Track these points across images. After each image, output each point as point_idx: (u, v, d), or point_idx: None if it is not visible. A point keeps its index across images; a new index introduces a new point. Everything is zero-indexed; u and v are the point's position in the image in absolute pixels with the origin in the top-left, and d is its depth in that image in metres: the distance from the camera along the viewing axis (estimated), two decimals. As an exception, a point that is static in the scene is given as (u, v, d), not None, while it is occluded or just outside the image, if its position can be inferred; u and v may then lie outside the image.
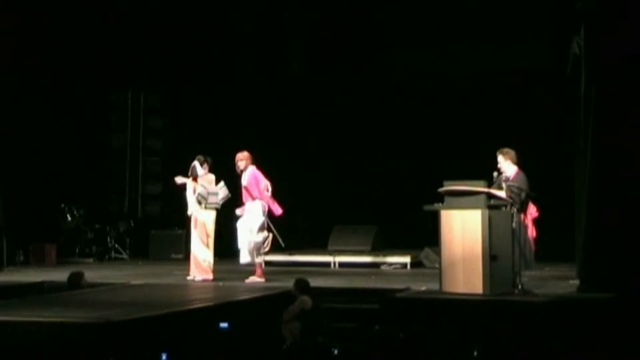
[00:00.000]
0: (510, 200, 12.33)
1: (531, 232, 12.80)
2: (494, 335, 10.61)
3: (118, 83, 19.95)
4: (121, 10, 19.09)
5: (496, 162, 12.88)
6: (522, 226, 12.55)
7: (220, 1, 19.58)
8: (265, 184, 14.55)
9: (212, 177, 14.98)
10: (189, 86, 19.88)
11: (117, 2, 19.21)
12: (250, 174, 14.54)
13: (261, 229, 14.47)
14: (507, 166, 12.89)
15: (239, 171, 14.61)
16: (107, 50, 19.07)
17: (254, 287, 13.84)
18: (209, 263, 14.80)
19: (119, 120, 20.27)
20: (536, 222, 12.90)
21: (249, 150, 14.76)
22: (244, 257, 14.52)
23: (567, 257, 14.40)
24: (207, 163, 14.98)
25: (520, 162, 12.98)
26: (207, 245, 14.78)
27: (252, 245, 14.43)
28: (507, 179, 12.62)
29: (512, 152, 12.94)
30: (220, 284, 14.43)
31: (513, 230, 12.24)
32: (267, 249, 14.69)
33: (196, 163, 14.93)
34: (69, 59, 18.42)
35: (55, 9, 18.18)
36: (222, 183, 14.87)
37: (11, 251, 17.37)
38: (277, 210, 14.51)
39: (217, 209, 14.85)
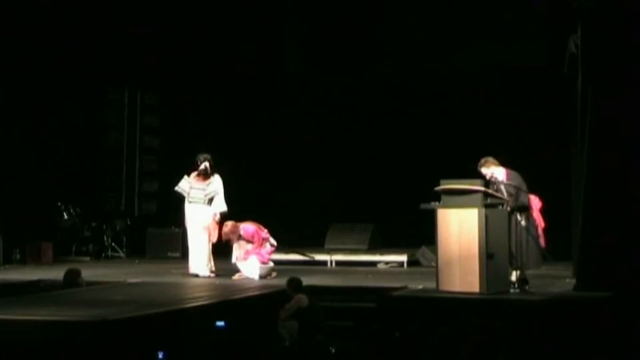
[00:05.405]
0: (508, 200, 12.40)
1: (539, 222, 12.85)
2: (490, 334, 10.61)
3: (115, 81, 19.94)
4: (118, 8, 19.05)
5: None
6: (531, 223, 12.60)
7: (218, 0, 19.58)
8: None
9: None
10: (186, 84, 19.86)
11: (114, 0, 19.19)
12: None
13: None
14: (496, 171, 12.88)
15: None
16: (105, 48, 19.04)
17: (251, 286, 13.90)
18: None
19: (116, 118, 20.25)
20: (542, 211, 12.95)
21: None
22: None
23: (564, 256, 14.40)
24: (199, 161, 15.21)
25: (508, 162, 13.06)
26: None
27: None
28: (501, 182, 12.66)
29: (490, 158, 12.94)
30: (217, 282, 14.46)
31: (525, 228, 12.34)
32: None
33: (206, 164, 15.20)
34: (66, 56, 18.39)
35: (52, 7, 18.14)
36: (213, 178, 15.10)
37: (8, 250, 17.33)
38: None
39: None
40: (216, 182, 15.21)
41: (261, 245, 14.68)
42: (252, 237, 14.69)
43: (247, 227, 14.76)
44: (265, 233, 14.80)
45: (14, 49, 17.53)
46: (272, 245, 14.84)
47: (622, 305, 11.31)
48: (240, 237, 14.71)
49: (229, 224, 14.72)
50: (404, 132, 18.81)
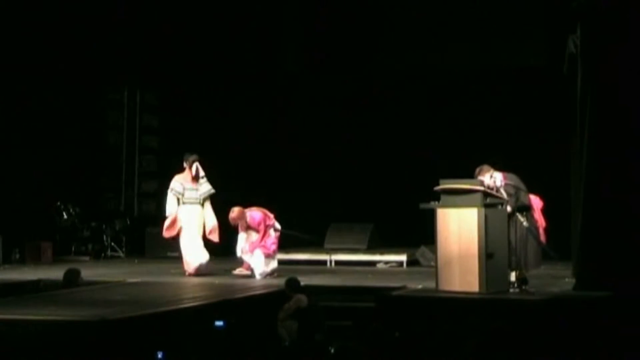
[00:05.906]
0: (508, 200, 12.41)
1: (541, 221, 12.86)
2: (489, 334, 10.62)
3: (115, 80, 19.92)
4: (118, 7, 19.05)
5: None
6: (532, 223, 12.61)
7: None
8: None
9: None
10: (185, 84, 19.84)
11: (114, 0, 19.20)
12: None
13: None
14: (495, 176, 12.85)
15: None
16: (104, 47, 19.03)
17: (250, 286, 13.91)
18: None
19: (115, 118, 20.23)
20: (543, 211, 12.95)
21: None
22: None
23: (563, 256, 14.40)
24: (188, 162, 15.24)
25: (508, 162, 13.05)
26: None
27: None
28: (500, 185, 12.65)
29: (484, 165, 12.87)
30: (217, 282, 14.46)
31: (527, 228, 12.34)
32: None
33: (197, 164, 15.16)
34: (65, 56, 18.38)
35: (51, 6, 18.14)
36: (202, 179, 15.23)
37: (7, 249, 17.34)
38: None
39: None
40: (205, 183, 15.22)
41: (265, 233, 14.61)
42: (259, 225, 14.63)
43: (254, 215, 14.69)
44: (270, 220, 14.75)
45: (14, 49, 17.53)
46: (276, 230, 14.78)
47: (622, 305, 11.31)
48: (247, 225, 14.62)
49: (235, 210, 14.66)
50: (403, 131, 18.79)
